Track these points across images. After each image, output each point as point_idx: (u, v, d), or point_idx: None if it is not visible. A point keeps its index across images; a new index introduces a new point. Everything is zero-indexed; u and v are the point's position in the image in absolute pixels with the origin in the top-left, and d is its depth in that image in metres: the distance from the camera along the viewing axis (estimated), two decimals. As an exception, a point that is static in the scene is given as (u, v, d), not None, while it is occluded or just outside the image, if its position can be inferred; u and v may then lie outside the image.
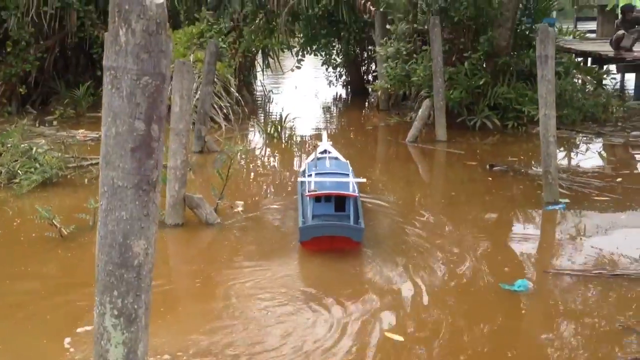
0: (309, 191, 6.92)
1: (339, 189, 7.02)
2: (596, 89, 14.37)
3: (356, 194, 7.25)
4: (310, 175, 7.42)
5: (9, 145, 9.62)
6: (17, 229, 7.50)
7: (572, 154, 11.49)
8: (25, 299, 5.67)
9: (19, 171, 9.01)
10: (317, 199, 7.01)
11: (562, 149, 11.32)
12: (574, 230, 7.43)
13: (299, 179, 7.97)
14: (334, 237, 6.62)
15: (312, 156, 8.64)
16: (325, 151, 8.93)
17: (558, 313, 5.43)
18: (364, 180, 7.77)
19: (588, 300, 5.63)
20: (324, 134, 11.02)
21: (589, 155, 11.30)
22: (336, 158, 8.75)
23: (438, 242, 7.03)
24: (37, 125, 13.35)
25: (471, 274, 6.17)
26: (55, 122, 14.15)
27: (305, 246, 6.68)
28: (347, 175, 7.71)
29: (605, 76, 15.07)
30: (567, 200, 8.22)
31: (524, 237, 7.30)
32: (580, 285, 5.89)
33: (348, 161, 8.71)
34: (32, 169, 9.03)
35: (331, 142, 9.52)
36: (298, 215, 7.23)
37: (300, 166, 9.97)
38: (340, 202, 7.05)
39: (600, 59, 16.87)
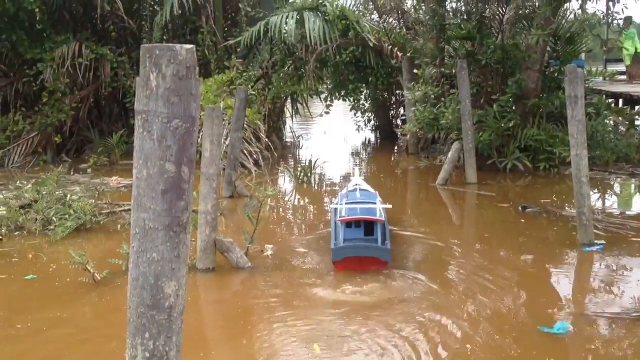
0: (340, 217, 7.69)
1: (367, 215, 7.69)
2: (628, 129, 14.22)
3: (383, 219, 7.80)
4: (342, 204, 8.17)
5: (44, 192, 9.81)
6: (52, 275, 7.57)
7: (606, 195, 11.32)
8: (60, 346, 5.70)
9: (53, 218, 9.15)
10: (348, 224, 7.72)
11: (595, 190, 11.17)
12: (611, 272, 7.27)
13: (332, 206, 8.70)
14: (363, 258, 7.21)
15: (345, 189, 9.53)
16: (356, 185, 9.60)
17: (599, 357, 5.27)
18: (390, 206, 8.46)
19: (628, 345, 5.46)
20: (356, 170, 11.50)
21: (624, 196, 11.13)
22: (366, 190, 9.40)
23: (472, 285, 6.92)
24: (71, 173, 13.60)
25: (509, 316, 6.05)
26: (89, 170, 14.42)
27: (337, 266, 7.30)
28: (372, 203, 8.28)
29: (637, 117, 14.91)
30: (603, 242, 8.07)
31: (561, 279, 7.17)
32: (619, 328, 5.73)
33: (377, 192, 9.29)
34: (67, 216, 9.16)
35: (363, 177, 10.01)
36: (331, 239, 7.81)
37: (329, 209, 10.03)
38: (369, 227, 7.71)
39: (632, 100, 16.74)
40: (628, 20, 16.46)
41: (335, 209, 8.21)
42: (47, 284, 7.28)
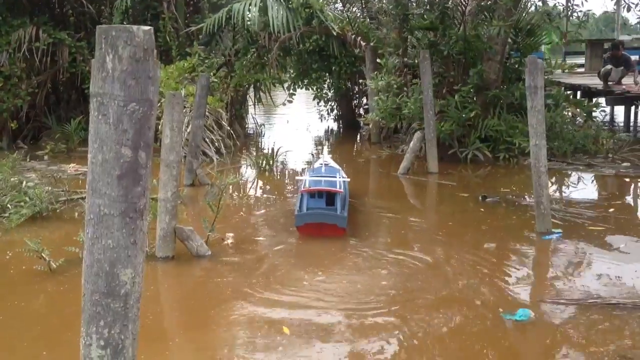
0: (304, 188, 8.66)
1: (328, 187, 8.63)
2: (586, 121, 14.47)
3: (342, 190, 8.70)
4: (308, 177, 9.15)
5: (-1, 179, 9.59)
6: (7, 263, 7.41)
7: (564, 186, 11.51)
8: (9, 334, 5.58)
9: (8, 205, 8.94)
10: (312, 195, 8.63)
11: (553, 180, 11.34)
12: (569, 259, 7.39)
13: (298, 178, 9.81)
14: (323, 225, 8.06)
15: (312, 165, 10.50)
16: (324, 162, 10.37)
17: (559, 342, 5.35)
18: (349, 179, 9.51)
19: (587, 330, 5.54)
20: (325, 150, 12.15)
21: (581, 187, 11.33)
22: (332, 166, 10.26)
23: (433, 270, 6.98)
24: (28, 160, 13.31)
25: (471, 303, 6.11)
26: (46, 157, 14.14)
27: (300, 230, 8.16)
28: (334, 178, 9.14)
29: (595, 109, 15.19)
30: (560, 231, 8.21)
31: (520, 266, 7.25)
32: (579, 314, 5.82)
33: (340, 168, 10.25)
34: (22, 203, 8.96)
35: (331, 156, 10.75)
36: (295, 208, 8.67)
37: (292, 197, 10.06)
38: (330, 198, 8.57)
39: (590, 92, 17.05)
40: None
41: (299, 181, 9.41)
42: (2, 272, 7.12)
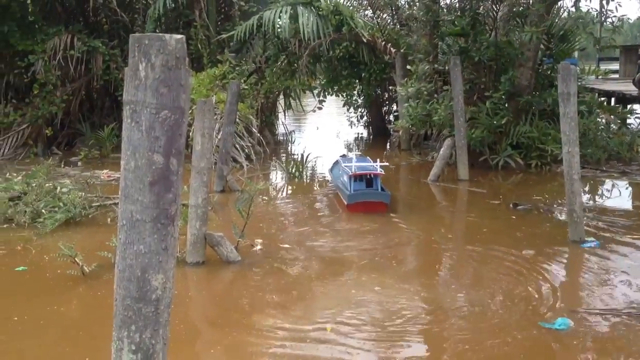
0: (352, 173, 9.98)
1: (370, 170, 10.15)
2: (620, 127, 14.24)
3: (382, 173, 10.15)
4: (347, 165, 10.46)
5: (34, 185, 9.75)
6: (41, 267, 7.52)
7: (597, 193, 11.34)
8: (47, 339, 5.66)
9: (43, 210, 9.09)
10: (355, 178, 10.01)
11: (587, 188, 11.18)
12: (607, 268, 7.25)
13: (331, 168, 12.07)
14: (369, 202, 9.74)
15: (342, 159, 11.83)
16: (357, 154, 11.72)
17: (601, 352, 5.27)
18: (387, 164, 10.81)
19: (628, 340, 5.44)
20: (355, 149, 13.35)
21: (615, 194, 11.14)
22: (362, 156, 11.94)
23: (468, 280, 6.92)
24: (62, 166, 13.52)
25: (508, 311, 6.05)
26: (80, 163, 14.36)
27: (350, 209, 9.78)
28: (371, 163, 10.67)
29: (629, 115, 14.94)
30: (592, 239, 8.07)
31: (557, 275, 7.16)
32: (618, 324, 5.72)
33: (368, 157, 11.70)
34: (56, 208, 9.10)
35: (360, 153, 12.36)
36: (342, 191, 10.32)
37: (322, 202, 10.05)
38: (369, 181, 10.10)
39: (624, 99, 16.79)
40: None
41: (333, 169, 11.74)
42: (35, 277, 7.23)
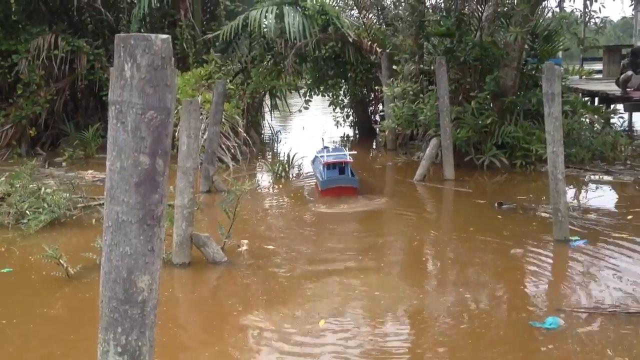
0: (324, 162, 11.24)
1: (340, 159, 11.40)
2: (604, 127, 14.34)
3: (351, 161, 11.44)
4: (322, 155, 11.76)
5: (18, 185, 9.67)
6: (26, 269, 7.47)
7: (582, 193, 11.41)
8: (33, 340, 5.62)
9: (27, 211, 9.02)
10: (327, 166, 11.22)
11: (571, 187, 11.25)
12: (594, 267, 7.27)
13: (312, 160, 12.86)
14: (341, 187, 10.81)
15: (321, 150, 12.86)
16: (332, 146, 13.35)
17: (591, 351, 5.30)
18: (355, 152, 12.43)
19: (617, 339, 5.45)
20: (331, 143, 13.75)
21: (599, 194, 11.22)
22: (337, 147, 13.75)
23: (455, 278, 6.95)
24: (46, 166, 13.43)
25: (497, 310, 6.09)
26: (64, 164, 14.26)
27: (323, 194, 10.84)
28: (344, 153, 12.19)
29: (612, 115, 15.04)
30: (577, 237, 8.12)
31: (543, 274, 7.18)
32: (609, 323, 5.73)
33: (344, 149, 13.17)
34: (40, 209, 9.04)
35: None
36: (317, 178, 11.49)
37: (308, 203, 10.06)
38: (341, 169, 11.23)
39: (607, 99, 16.91)
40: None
41: (315, 159, 12.47)
42: (19, 279, 7.18)
